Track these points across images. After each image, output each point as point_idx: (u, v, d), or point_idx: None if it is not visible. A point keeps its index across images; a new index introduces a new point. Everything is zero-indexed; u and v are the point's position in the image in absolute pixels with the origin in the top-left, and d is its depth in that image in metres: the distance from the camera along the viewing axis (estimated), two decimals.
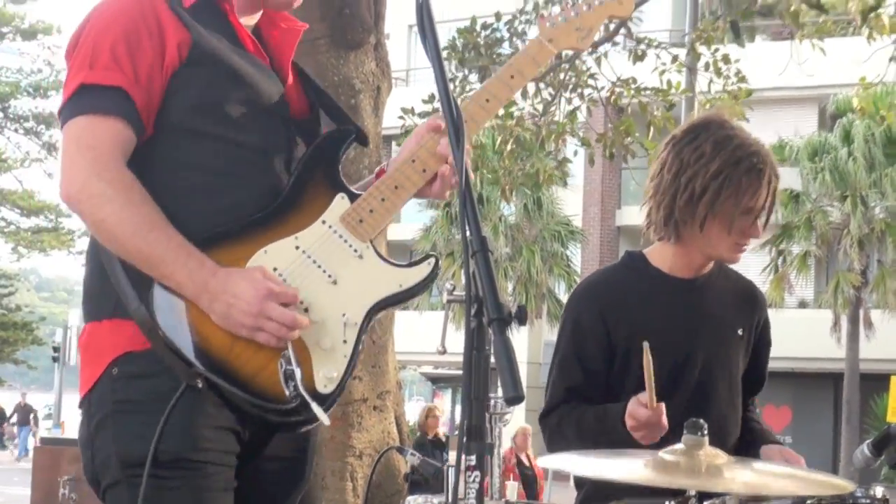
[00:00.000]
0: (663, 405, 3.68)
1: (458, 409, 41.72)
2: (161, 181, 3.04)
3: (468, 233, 2.53)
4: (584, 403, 4.00)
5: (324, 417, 2.99)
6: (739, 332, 4.16)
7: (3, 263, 46.38)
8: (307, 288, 3.05)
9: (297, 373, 2.96)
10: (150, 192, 3.00)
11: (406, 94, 17.48)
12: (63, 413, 39.72)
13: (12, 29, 42.91)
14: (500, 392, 2.60)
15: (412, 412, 23.53)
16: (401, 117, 12.61)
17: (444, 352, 2.95)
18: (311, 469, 3.32)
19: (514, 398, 2.36)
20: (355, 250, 3.12)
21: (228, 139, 3.09)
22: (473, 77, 12.95)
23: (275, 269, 3.03)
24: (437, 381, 42.64)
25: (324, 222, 3.12)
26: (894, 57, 12.55)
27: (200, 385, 2.93)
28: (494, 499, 3.21)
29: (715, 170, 3.92)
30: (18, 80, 42.97)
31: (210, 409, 2.98)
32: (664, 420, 3.66)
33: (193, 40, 3.07)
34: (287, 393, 2.96)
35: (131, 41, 3.04)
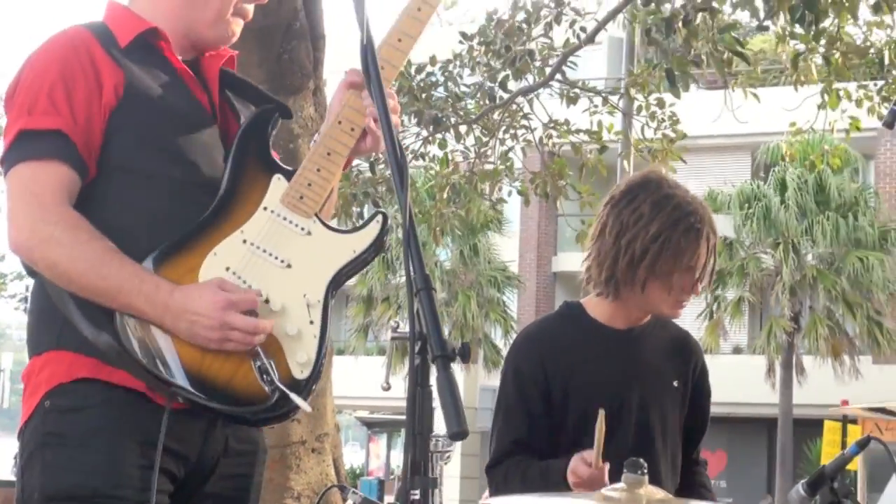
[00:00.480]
0: (607, 465, 3.72)
1: (394, 453, 41.72)
2: (105, 222, 3.02)
3: (412, 271, 2.54)
4: (529, 456, 4.03)
5: (304, 405, 3.00)
6: (675, 384, 4.19)
7: None
8: (263, 279, 3.04)
9: (272, 367, 2.97)
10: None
11: None
12: None
13: None
14: (442, 430, 2.62)
15: (347, 457, 23.47)
16: None
17: (388, 388, 2.97)
18: (258, 488, 3.31)
19: (457, 433, 2.38)
20: (302, 228, 3.11)
21: (170, 177, 3.08)
22: (407, 121, 12.99)
23: (227, 269, 3.03)
24: (372, 426, 42.49)
25: (265, 209, 3.11)
26: (823, 104, 12.72)
27: (181, 400, 2.94)
28: None
29: (654, 232, 3.96)
30: None
31: (135, 448, 2.97)
32: (606, 479, 3.69)
33: (127, 80, 3.08)
34: (266, 389, 2.97)
35: (68, 84, 3.04)
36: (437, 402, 2.44)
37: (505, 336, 32.05)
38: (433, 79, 13.31)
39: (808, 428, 27.43)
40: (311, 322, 3.07)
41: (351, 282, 34.29)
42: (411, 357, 2.44)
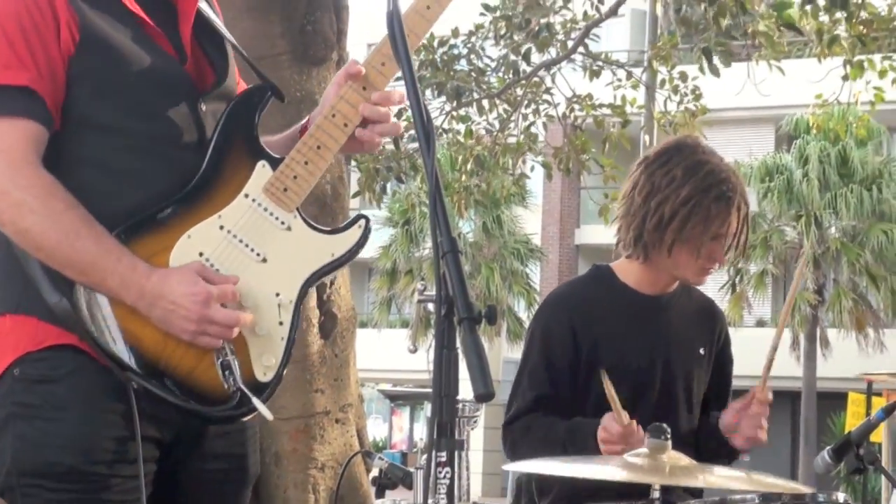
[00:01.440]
0: (635, 422, 3.72)
1: (417, 426, 41.78)
2: (65, 180, 2.85)
3: (438, 235, 2.51)
4: (551, 414, 4.04)
5: (266, 413, 2.88)
6: (701, 351, 4.21)
7: None
8: (236, 271, 2.90)
9: (235, 364, 2.86)
10: None
11: None
12: None
13: None
14: (469, 395, 2.62)
15: (370, 429, 23.56)
16: None
17: (414, 350, 2.96)
18: (256, 465, 3.18)
19: (484, 395, 2.37)
20: (282, 222, 2.96)
21: (132, 131, 2.90)
22: (429, 94, 12.98)
23: (201, 255, 2.89)
24: (395, 399, 42.58)
25: (246, 195, 2.95)
26: (847, 76, 12.67)
27: (136, 387, 2.80)
28: (462, 500, 3.23)
29: (685, 196, 3.96)
30: None
31: (110, 418, 2.84)
32: (640, 433, 3.68)
33: (81, 21, 2.86)
34: (225, 386, 2.85)
35: (27, 31, 2.82)
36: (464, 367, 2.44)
37: (528, 308, 32.05)
38: (456, 51, 13.30)
39: (832, 401, 27.39)
40: (281, 323, 2.95)
41: (374, 255, 34.31)
42: (437, 319, 2.44)
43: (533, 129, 13.83)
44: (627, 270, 4.18)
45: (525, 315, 31.96)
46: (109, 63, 2.89)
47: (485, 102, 13.40)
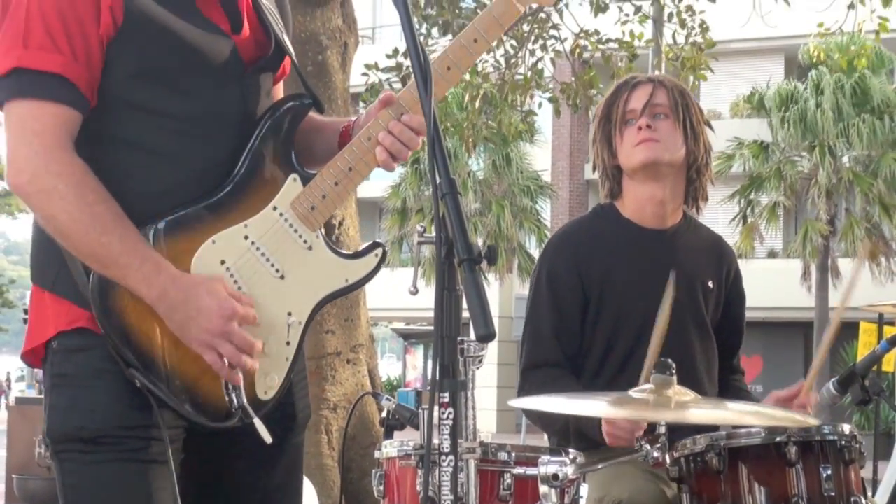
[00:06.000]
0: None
1: (431, 364, 41.70)
2: (100, 159, 2.84)
3: (437, 176, 2.51)
4: (563, 369, 4.13)
5: (266, 435, 2.89)
6: (710, 283, 4.24)
7: None
8: (255, 285, 2.91)
9: (240, 380, 2.85)
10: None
11: (372, 51, 17.40)
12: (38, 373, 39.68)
13: None
14: (472, 335, 2.63)
15: (384, 368, 23.58)
16: (364, 74, 12.59)
17: (415, 292, 2.94)
18: (306, 410, 3.21)
19: (485, 336, 2.38)
20: (305, 241, 2.98)
21: (171, 113, 2.90)
22: (436, 32, 12.92)
23: (223, 263, 2.90)
24: (408, 338, 42.70)
25: (275, 209, 2.96)
26: (852, 4, 12.57)
27: (138, 384, 2.82)
28: (469, 440, 3.25)
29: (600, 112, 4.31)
30: None
31: (138, 388, 2.85)
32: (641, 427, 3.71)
33: (124, 3, 2.82)
34: (227, 401, 2.86)
35: (65, 12, 2.78)
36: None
37: (539, 244, 32.05)
38: None
39: (845, 330, 26.99)
40: (288, 343, 2.97)
41: (384, 194, 34.16)
42: (438, 261, 2.44)
43: (540, 65, 13.76)
44: (628, 205, 4.25)
45: (536, 251, 31.96)
46: (152, 44, 2.86)
47: (534, 5, 13.29)
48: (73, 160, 2.80)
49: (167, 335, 2.84)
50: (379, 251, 3.04)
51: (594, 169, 4.37)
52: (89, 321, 2.85)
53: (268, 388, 2.94)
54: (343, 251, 3.05)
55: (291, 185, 2.99)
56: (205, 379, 2.86)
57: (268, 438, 2.88)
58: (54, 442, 2.90)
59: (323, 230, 3.01)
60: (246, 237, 2.93)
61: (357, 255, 3.05)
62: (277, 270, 2.95)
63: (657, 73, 14.15)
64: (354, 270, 3.03)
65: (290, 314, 2.97)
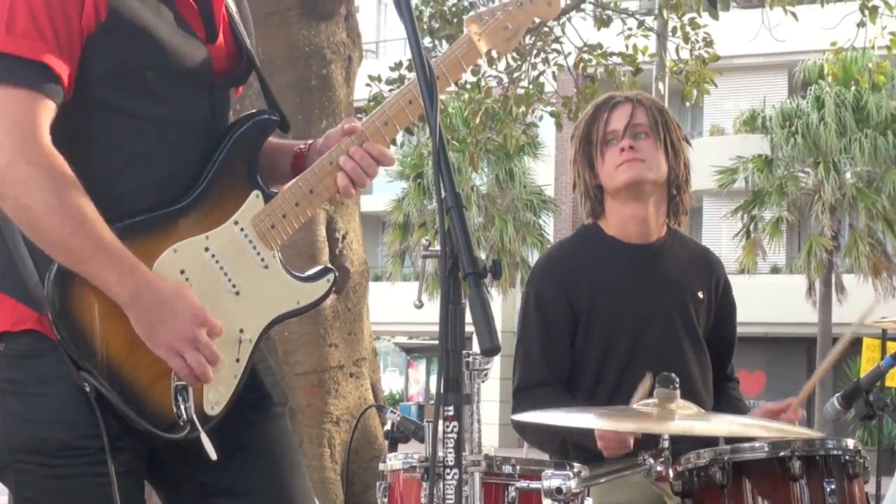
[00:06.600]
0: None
1: (433, 378, 41.87)
2: (78, 161, 2.77)
3: (443, 190, 2.51)
4: (555, 388, 4.15)
5: (211, 451, 2.84)
6: (700, 294, 4.27)
7: None
8: (210, 299, 2.87)
9: (190, 393, 2.82)
10: None
11: (376, 65, 17.45)
12: None
13: None
14: (477, 348, 2.63)
15: (386, 382, 23.53)
16: (368, 85, 12.62)
17: (420, 305, 2.94)
18: (281, 394, 3.17)
19: (490, 349, 2.38)
20: (262, 259, 2.97)
21: (141, 114, 2.86)
22: (440, 45, 12.95)
23: (182, 273, 2.86)
24: (411, 352, 42.67)
25: (236, 223, 2.95)
26: (862, 23, 12.59)
27: (87, 389, 2.73)
28: (474, 453, 3.25)
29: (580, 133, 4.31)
30: None
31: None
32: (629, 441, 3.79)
33: (109, 2, 2.80)
34: (175, 412, 2.81)
35: (50, 1, 2.74)
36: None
37: None
38: (465, 3, 13.26)
39: (848, 346, 27.34)
40: (237, 360, 2.94)
41: (387, 208, 34.20)
42: (442, 275, 2.44)
43: (542, 79, 13.78)
44: (611, 223, 4.29)
45: None
46: (131, 43, 2.83)
47: (493, 52, 13.33)
48: (52, 151, 2.73)
49: (124, 341, 2.77)
50: (330, 276, 3.07)
51: (573, 188, 4.40)
52: (37, 323, 2.78)
53: (215, 404, 2.91)
54: (296, 273, 3.04)
55: (253, 202, 2.98)
56: (155, 389, 2.81)
57: (213, 455, 2.84)
58: (13, 451, 2.80)
59: (279, 252, 3.01)
60: (206, 249, 2.91)
61: (310, 279, 3.05)
62: (234, 286, 2.94)
63: (660, 86, 14.17)
64: (307, 293, 3.05)
65: (241, 331, 2.95)
